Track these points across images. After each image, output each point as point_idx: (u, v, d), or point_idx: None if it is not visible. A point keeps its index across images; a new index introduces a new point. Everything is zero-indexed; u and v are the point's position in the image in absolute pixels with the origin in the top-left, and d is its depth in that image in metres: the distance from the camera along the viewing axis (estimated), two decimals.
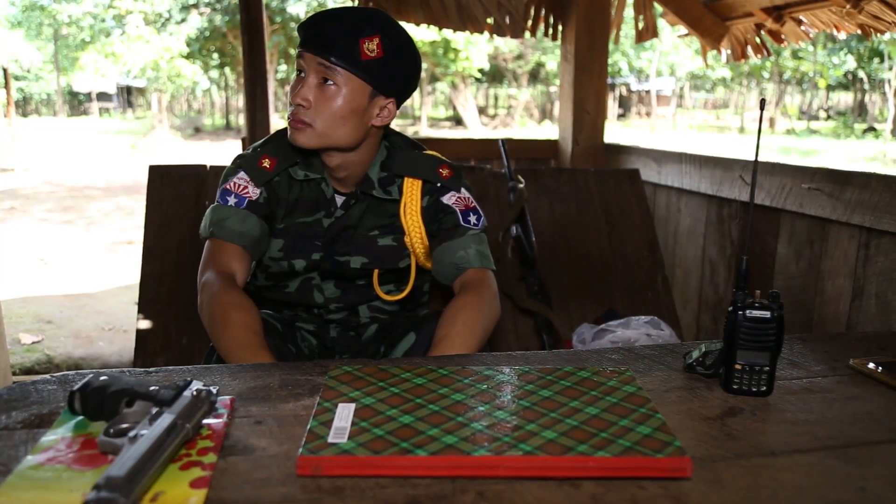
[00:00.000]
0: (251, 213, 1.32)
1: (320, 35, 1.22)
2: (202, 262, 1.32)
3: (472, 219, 1.38)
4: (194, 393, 0.79)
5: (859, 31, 2.48)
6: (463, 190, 1.40)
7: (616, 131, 20.62)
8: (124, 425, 0.76)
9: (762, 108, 0.91)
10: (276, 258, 1.36)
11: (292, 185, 1.37)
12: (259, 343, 1.15)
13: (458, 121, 23.47)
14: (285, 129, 1.38)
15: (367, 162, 1.35)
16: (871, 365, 1.04)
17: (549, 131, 21.47)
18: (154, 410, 0.76)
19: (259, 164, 1.34)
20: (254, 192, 1.33)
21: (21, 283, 4.90)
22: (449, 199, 1.38)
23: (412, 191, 1.37)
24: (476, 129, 21.74)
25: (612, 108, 28.59)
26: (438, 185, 1.37)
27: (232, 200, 1.32)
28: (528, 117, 27.73)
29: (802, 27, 2.69)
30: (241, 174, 1.33)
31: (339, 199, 1.37)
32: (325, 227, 1.36)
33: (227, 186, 1.33)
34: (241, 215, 1.31)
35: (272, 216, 1.36)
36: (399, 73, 1.27)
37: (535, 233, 2.18)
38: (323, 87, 1.23)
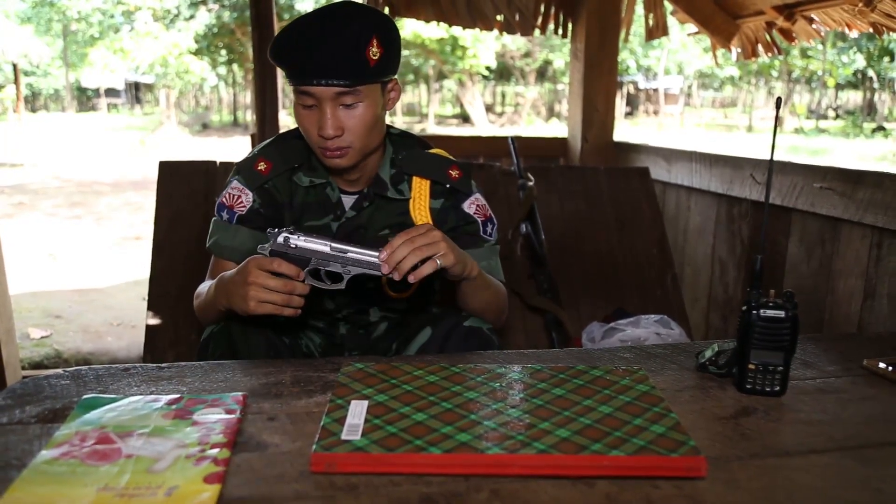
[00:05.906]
0: (241, 227, 1.32)
1: (323, 63, 1.14)
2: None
3: (490, 229, 1.39)
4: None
5: (871, 30, 2.45)
6: (478, 195, 1.40)
7: (623, 129, 20.54)
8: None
9: (778, 106, 0.90)
10: None
11: (296, 191, 1.35)
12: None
13: (465, 118, 23.44)
14: (289, 131, 1.38)
15: (379, 158, 1.34)
16: (883, 364, 1.04)
17: (556, 129, 21.42)
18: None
19: (255, 166, 1.34)
20: (247, 201, 1.32)
21: (30, 277, 4.92)
22: (469, 206, 1.38)
23: (421, 189, 1.37)
24: (483, 126, 21.69)
25: (620, 105, 28.45)
26: (447, 186, 1.37)
27: (224, 216, 1.33)
28: (536, 115, 27.68)
29: (814, 25, 2.66)
30: (235, 182, 1.33)
31: (348, 200, 1.36)
32: (335, 231, 1.35)
33: (223, 200, 1.34)
34: (231, 231, 1.32)
35: (273, 219, 1.35)
36: (396, 54, 1.24)
37: (544, 230, 2.18)
38: (346, 110, 1.19)
